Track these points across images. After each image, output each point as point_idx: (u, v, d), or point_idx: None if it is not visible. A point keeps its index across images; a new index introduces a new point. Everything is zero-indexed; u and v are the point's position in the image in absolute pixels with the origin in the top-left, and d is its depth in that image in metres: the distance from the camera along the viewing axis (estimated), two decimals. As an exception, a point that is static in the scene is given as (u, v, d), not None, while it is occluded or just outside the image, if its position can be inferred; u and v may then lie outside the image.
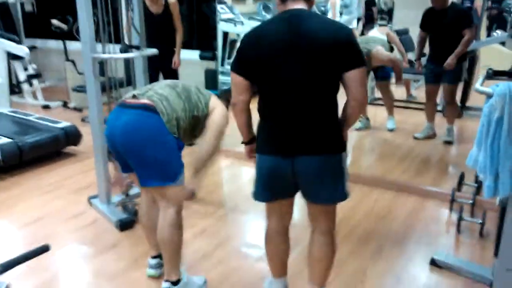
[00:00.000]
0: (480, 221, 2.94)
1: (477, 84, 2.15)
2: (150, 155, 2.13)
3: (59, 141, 4.28)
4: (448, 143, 4.52)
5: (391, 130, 4.99)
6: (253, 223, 3.19)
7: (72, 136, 4.39)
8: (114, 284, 2.51)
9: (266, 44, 1.84)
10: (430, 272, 2.61)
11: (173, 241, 2.25)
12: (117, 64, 3.47)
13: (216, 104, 2.34)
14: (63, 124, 4.47)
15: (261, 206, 2.11)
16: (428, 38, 4.47)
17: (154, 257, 2.53)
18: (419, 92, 5.58)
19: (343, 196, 1.97)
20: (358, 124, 4.97)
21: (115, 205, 3.32)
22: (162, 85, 2.29)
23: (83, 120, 5.49)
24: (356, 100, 1.87)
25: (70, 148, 4.50)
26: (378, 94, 5.26)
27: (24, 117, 4.73)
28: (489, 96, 2.02)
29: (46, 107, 6.13)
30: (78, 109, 6.00)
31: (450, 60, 4.19)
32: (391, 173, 3.93)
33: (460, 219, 2.99)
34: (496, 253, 2.18)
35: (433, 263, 2.66)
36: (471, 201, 3.20)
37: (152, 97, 2.17)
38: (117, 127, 2.16)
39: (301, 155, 1.88)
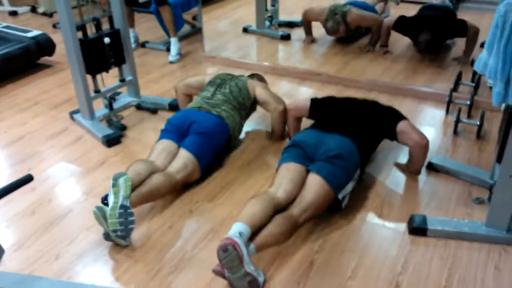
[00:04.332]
0: (478, 122, 2.88)
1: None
2: (208, 143, 2.57)
3: (31, 52, 3.98)
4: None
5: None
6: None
7: (44, 46, 4.08)
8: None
9: None
10: (427, 176, 2.59)
11: (159, 190, 2.31)
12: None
13: (253, 85, 2.93)
14: (34, 32, 4.13)
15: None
16: None
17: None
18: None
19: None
20: None
21: (99, 120, 3.17)
22: (220, 98, 2.78)
23: (54, 26, 5.12)
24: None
25: (44, 59, 4.21)
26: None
27: (-10, 26, 4.35)
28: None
29: (13, 13, 5.68)
30: (48, 14, 5.57)
31: None
32: (385, 75, 3.79)
33: (457, 121, 2.92)
34: (499, 160, 2.12)
35: (431, 167, 2.63)
36: (468, 102, 3.12)
37: (221, 113, 2.68)
38: (198, 115, 2.64)
39: None
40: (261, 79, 3.20)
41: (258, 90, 2.91)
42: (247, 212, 1.98)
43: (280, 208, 2.09)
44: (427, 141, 2.47)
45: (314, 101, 2.71)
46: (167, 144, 2.56)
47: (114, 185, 2.11)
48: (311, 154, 2.30)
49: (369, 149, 2.49)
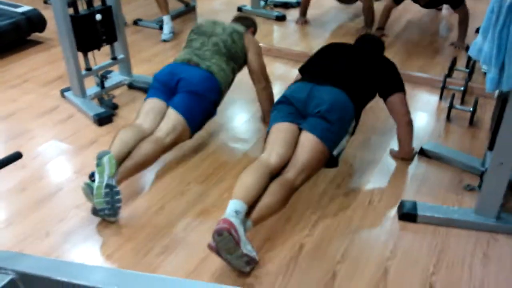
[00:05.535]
0: (471, 109, 2.88)
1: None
2: (198, 103, 2.46)
3: (21, 28, 3.90)
4: None
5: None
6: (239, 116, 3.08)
7: (35, 22, 4.00)
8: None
9: None
10: (418, 161, 2.59)
11: (147, 160, 2.27)
12: None
13: (249, 42, 2.76)
14: (24, 8, 4.04)
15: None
16: None
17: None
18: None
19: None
20: None
21: (90, 98, 3.13)
22: (211, 51, 2.61)
23: (45, 2, 5.02)
24: None
25: (35, 35, 4.14)
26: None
27: (-21, 0, 4.25)
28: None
29: (2, -14, 5.55)
30: (39, -11, 5.45)
31: None
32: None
33: (450, 107, 2.92)
34: (491, 147, 2.13)
35: (422, 152, 2.63)
36: (462, 88, 3.11)
37: (210, 67, 2.53)
38: (187, 70, 2.51)
39: None
40: (250, 24, 3.00)
41: (251, 55, 2.76)
42: (242, 186, 1.93)
43: (274, 173, 2.03)
44: (409, 120, 2.44)
45: (302, 65, 2.60)
46: (155, 103, 2.47)
47: (98, 165, 2.08)
48: (302, 109, 2.19)
49: (364, 100, 2.36)
